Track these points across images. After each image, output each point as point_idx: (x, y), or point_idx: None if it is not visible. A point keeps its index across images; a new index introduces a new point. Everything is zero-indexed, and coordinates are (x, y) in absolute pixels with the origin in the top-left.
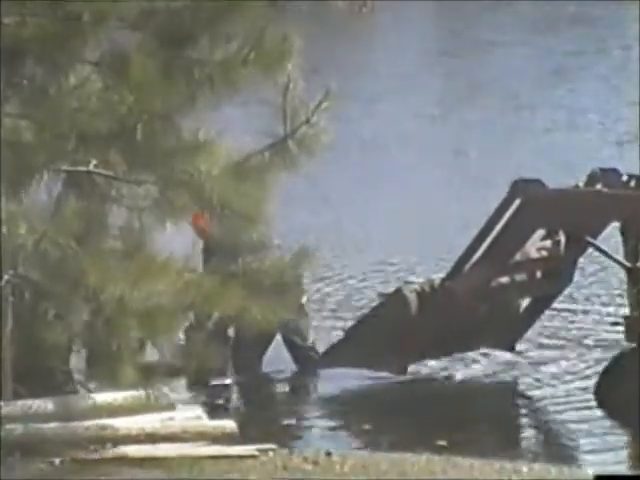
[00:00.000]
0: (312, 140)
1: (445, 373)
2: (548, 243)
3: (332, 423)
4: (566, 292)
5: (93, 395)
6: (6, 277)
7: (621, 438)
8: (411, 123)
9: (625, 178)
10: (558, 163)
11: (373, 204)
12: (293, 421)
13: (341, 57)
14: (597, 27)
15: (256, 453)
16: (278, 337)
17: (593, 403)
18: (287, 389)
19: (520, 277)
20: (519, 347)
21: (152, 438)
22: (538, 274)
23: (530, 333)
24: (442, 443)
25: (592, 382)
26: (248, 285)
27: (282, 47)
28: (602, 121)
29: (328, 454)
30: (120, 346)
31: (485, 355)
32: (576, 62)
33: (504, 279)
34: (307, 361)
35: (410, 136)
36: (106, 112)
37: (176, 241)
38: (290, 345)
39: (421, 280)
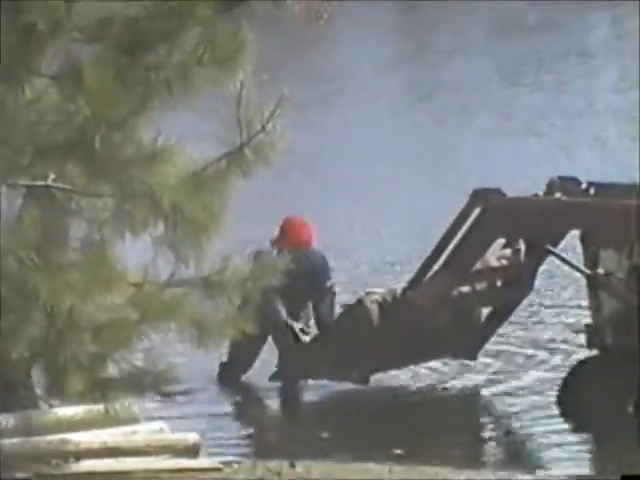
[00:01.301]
0: (268, 147)
1: (408, 383)
2: (508, 252)
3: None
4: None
5: (55, 409)
6: None
7: (583, 445)
8: (366, 130)
9: (584, 186)
10: (511, 170)
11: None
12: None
13: (297, 64)
14: (558, 33)
15: (220, 466)
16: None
17: (555, 411)
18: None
19: (481, 286)
20: (480, 356)
21: (115, 452)
22: (499, 283)
23: (491, 341)
24: (399, 452)
25: (554, 390)
26: (210, 297)
27: (235, 41)
28: (558, 127)
29: (292, 465)
30: (69, 359)
31: (447, 364)
32: (534, 68)
33: (465, 288)
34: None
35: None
36: (63, 124)
37: (136, 252)
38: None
39: (382, 290)
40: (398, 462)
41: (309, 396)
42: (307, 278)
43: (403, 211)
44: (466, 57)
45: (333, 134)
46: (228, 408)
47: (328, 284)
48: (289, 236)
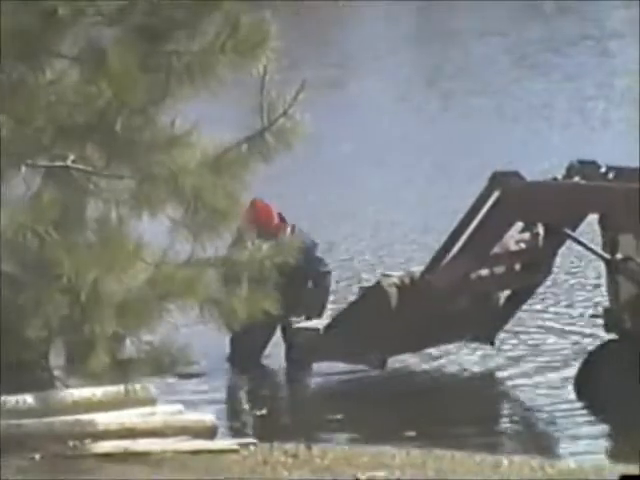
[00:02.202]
0: (289, 132)
1: (425, 366)
2: (527, 235)
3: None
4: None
5: (72, 390)
6: None
7: (601, 429)
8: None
9: (603, 170)
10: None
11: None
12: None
13: (317, 48)
14: (576, 18)
15: (237, 447)
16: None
17: (573, 395)
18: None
19: (499, 270)
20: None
21: (132, 433)
22: (517, 267)
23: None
24: (411, 434)
25: (572, 373)
26: (228, 276)
27: (259, 32)
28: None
29: (308, 447)
30: (96, 334)
31: (464, 348)
32: (551, 53)
33: (483, 272)
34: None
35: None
36: (84, 105)
37: (153, 232)
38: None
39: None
40: (414, 445)
41: (323, 378)
42: (304, 261)
43: (411, 196)
44: (483, 39)
45: (341, 115)
46: (241, 389)
47: (323, 268)
48: (259, 220)
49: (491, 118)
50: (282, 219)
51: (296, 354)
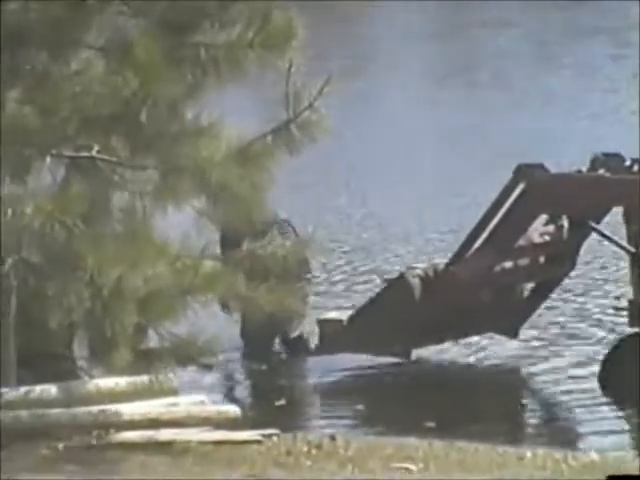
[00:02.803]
0: (314, 125)
1: (448, 357)
2: (551, 228)
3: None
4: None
5: (96, 380)
6: (10, 261)
7: (624, 423)
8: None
9: (628, 163)
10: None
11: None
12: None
13: (341, 42)
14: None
15: (260, 438)
16: None
17: (597, 388)
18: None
19: (523, 262)
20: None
21: (155, 423)
22: (541, 259)
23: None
24: (430, 425)
25: (596, 367)
26: (252, 271)
27: (287, 28)
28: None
29: (332, 438)
30: (116, 329)
31: (488, 340)
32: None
33: (507, 264)
34: (298, 350)
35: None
36: (109, 96)
37: (178, 226)
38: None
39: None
40: (436, 436)
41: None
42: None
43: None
44: (502, 32)
45: (358, 107)
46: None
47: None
48: None
49: (510, 109)
50: None
51: (320, 345)
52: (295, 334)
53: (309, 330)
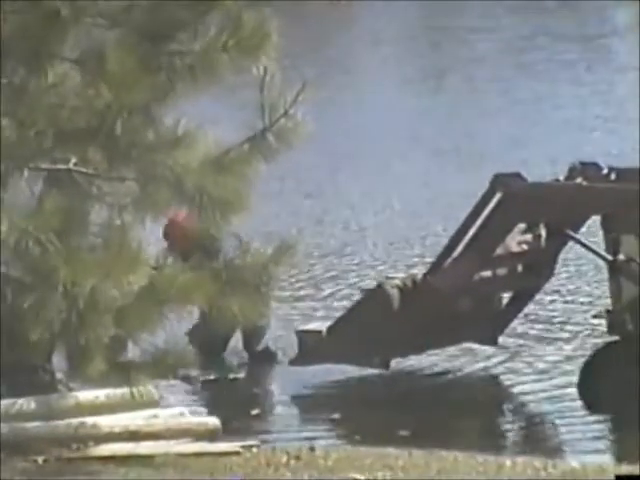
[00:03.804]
0: (291, 132)
1: (427, 367)
2: (529, 237)
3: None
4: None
5: (75, 393)
6: None
7: (603, 430)
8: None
9: (605, 171)
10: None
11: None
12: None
13: (318, 47)
14: (581, 12)
15: (240, 450)
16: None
17: (575, 396)
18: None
19: (501, 271)
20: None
21: (135, 436)
22: (519, 268)
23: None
24: (404, 433)
25: (574, 375)
26: (229, 281)
27: (261, 29)
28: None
29: (312, 449)
30: (90, 341)
31: (467, 349)
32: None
33: (486, 273)
34: (263, 361)
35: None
36: (85, 108)
37: (156, 234)
38: (247, 344)
39: (402, 275)
40: (416, 446)
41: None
42: None
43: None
44: (484, 35)
45: (347, 114)
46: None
47: None
48: (174, 237)
49: (495, 114)
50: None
51: (299, 356)
52: (262, 346)
53: (283, 341)
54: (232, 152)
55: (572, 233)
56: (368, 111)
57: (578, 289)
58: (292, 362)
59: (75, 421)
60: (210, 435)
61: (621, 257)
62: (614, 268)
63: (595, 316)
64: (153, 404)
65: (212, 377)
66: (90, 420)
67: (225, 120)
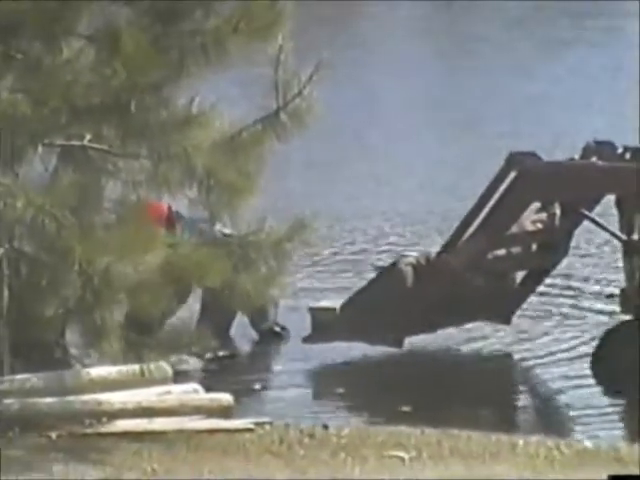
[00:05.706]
0: (304, 112)
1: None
2: (543, 216)
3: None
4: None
5: (89, 369)
6: (1, 250)
7: (617, 410)
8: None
9: (620, 150)
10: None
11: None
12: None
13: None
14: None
15: (253, 427)
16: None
17: (589, 375)
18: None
19: (516, 250)
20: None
21: (148, 412)
22: (533, 247)
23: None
24: (406, 409)
25: (588, 354)
26: (242, 258)
27: (272, 13)
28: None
29: (325, 427)
30: (106, 321)
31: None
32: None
33: (500, 252)
34: (271, 338)
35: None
36: (99, 86)
37: None
38: (253, 323)
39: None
40: (430, 425)
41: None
42: None
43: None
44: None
45: (356, 92)
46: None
47: None
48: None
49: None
50: (174, 217)
51: (312, 333)
52: (269, 324)
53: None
54: (245, 132)
55: (586, 212)
56: (369, 89)
57: None
58: (305, 339)
59: (88, 397)
60: (223, 412)
61: (635, 237)
62: (628, 248)
63: (609, 295)
64: (166, 380)
65: (220, 354)
66: (103, 396)
67: (239, 100)
